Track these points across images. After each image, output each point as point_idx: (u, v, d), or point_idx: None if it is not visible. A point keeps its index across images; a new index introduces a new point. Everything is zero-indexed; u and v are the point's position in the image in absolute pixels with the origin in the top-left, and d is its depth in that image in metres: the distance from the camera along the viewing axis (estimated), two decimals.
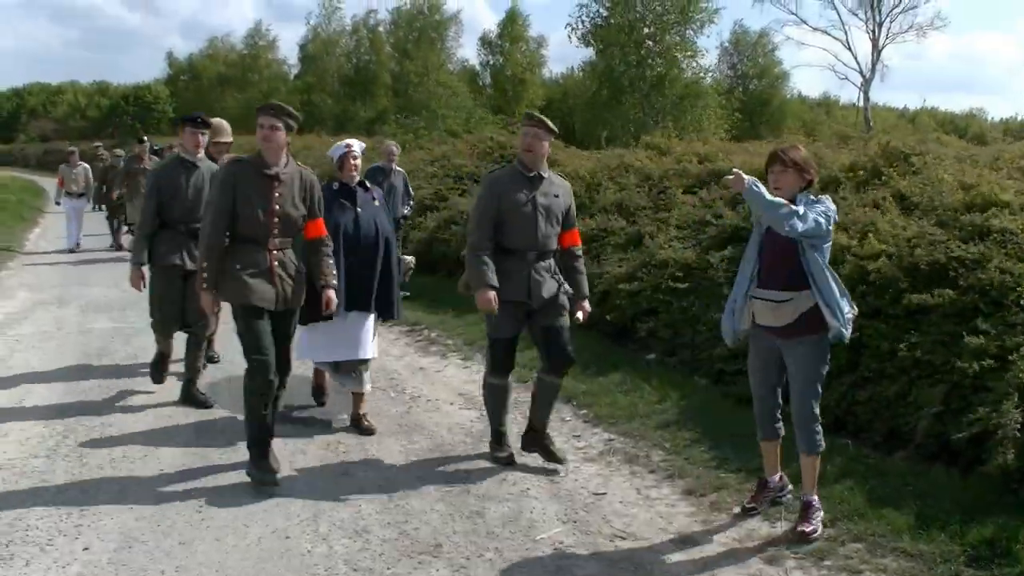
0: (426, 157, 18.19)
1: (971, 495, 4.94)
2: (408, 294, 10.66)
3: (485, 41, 56.30)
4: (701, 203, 9.29)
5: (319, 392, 7.24)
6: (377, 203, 6.71)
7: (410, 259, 10.65)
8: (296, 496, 5.34)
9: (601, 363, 8.21)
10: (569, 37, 36.35)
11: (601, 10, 33.49)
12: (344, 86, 55.78)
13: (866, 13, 45.69)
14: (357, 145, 6.75)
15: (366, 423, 6.65)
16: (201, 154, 7.17)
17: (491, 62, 56.62)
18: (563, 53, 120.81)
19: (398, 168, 12.80)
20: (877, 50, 45.60)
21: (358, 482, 5.65)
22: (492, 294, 5.70)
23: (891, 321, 6.01)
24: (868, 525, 4.83)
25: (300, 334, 6.30)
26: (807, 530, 4.74)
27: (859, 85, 45.83)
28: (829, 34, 48.64)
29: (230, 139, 8.17)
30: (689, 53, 34.38)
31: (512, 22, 54.71)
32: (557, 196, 5.95)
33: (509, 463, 5.98)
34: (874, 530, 4.77)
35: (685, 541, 4.85)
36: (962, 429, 5.16)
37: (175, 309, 7.08)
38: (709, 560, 4.62)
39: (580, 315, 6.05)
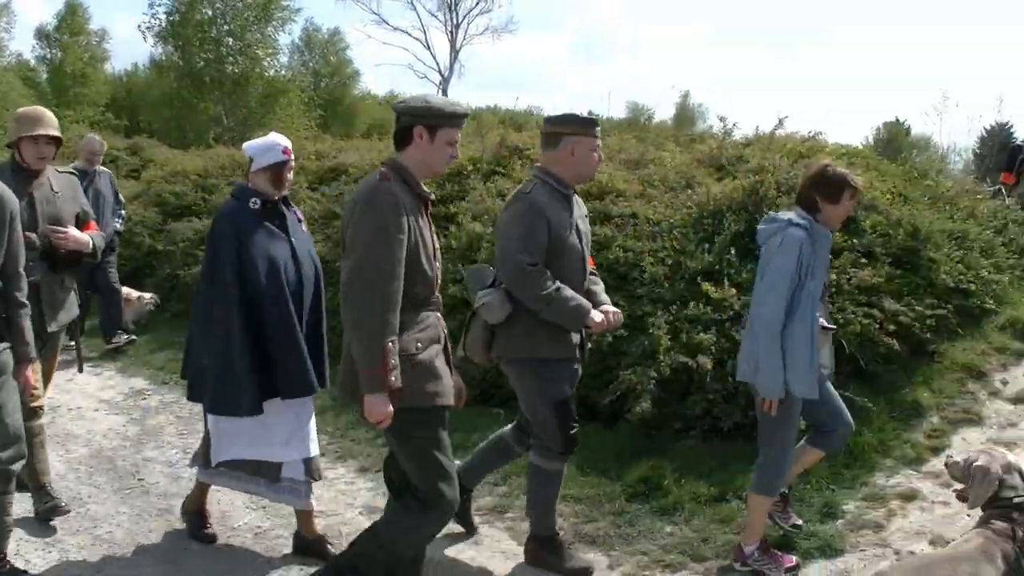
0: None
1: (619, 444, 5.71)
2: (135, 338, 9.07)
3: (42, 34, 51.99)
4: (325, 197, 9.53)
5: (203, 520, 4.85)
6: (304, 227, 4.71)
7: (150, 296, 9.74)
8: None
9: None
10: (144, 36, 34.81)
11: (178, 6, 32.41)
12: None
13: (445, 15, 47.92)
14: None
15: (330, 544, 4.62)
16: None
17: (48, 57, 52.41)
18: (119, 49, 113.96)
19: (103, 169, 9.42)
20: (455, 51, 48.02)
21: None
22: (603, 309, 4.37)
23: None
24: None
25: (215, 423, 4.48)
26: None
27: (438, 84, 47.89)
28: (410, 34, 50.22)
29: (55, 132, 4.91)
30: (271, 51, 34.34)
31: (72, 14, 51.05)
32: (586, 216, 4.61)
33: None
34: None
35: (374, 512, 5.11)
36: (604, 392, 5.88)
37: None
38: None
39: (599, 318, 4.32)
